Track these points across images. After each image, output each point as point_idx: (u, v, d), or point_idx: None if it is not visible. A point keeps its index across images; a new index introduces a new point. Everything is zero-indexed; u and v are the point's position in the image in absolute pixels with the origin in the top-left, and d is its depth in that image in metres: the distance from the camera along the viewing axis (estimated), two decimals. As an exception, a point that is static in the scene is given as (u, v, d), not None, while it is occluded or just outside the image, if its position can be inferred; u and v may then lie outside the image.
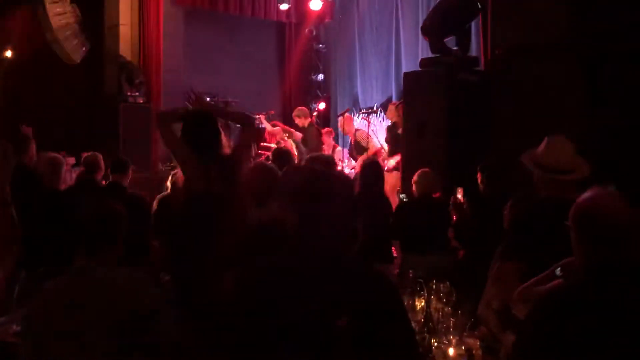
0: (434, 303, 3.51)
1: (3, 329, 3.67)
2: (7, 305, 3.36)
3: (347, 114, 9.96)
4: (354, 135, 9.66)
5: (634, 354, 2.05)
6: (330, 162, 5.23)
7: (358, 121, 10.37)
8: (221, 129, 4.10)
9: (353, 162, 9.80)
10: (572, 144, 3.54)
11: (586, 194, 2.31)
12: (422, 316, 3.42)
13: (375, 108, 10.14)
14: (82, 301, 2.64)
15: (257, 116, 10.96)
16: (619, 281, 2.17)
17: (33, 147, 5.16)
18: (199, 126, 4.01)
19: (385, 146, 9.22)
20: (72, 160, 6.07)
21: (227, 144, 4.42)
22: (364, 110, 10.10)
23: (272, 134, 10.41)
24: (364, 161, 7.07)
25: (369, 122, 9.83)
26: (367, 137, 9.49)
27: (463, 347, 3.09)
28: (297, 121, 9.74)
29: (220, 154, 4.02)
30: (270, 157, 6.00)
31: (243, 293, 2.16)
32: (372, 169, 5.76)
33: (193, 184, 3.86)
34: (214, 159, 3.92)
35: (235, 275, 2.57)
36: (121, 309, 2.63)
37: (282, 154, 5.93)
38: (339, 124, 10.04)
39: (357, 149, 9.61)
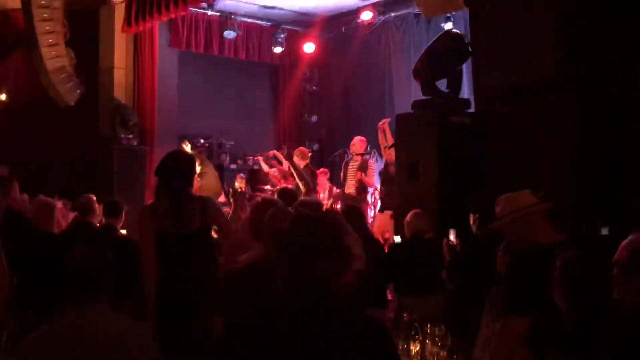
0: (429, 347, 3.47)
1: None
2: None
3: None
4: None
5: None
6: (319, 206, 5.21)
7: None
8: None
9: None
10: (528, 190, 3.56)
11: (637, 234, 2.27)
12: (417, 360, 3.38)
13: (368, 149, 10.14)
14: (71, 353, 2.58)
15: (255, 158, 11.00)
16: None
17: (16, 188, 5.14)
18: (171, 163, 4.02)
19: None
20: (59, 203, 6.05)
21: None
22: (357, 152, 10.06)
23: (268, 175, 10.45)
24: (344, 206, 7.06)
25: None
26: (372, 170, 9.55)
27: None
28: (295, 160, 9.79)
29: (190, 194, 4.00)
30: (276, 196, 6.00)
31: (235, 338, 2.13)
32: (354, 213, 5.71)
33: (161, 223, 3.83)
34: (183, 197, 3.91)
35: (224, 319, 2.54)
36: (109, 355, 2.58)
37: (287, 194, 5.91)
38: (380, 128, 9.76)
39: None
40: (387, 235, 8.32)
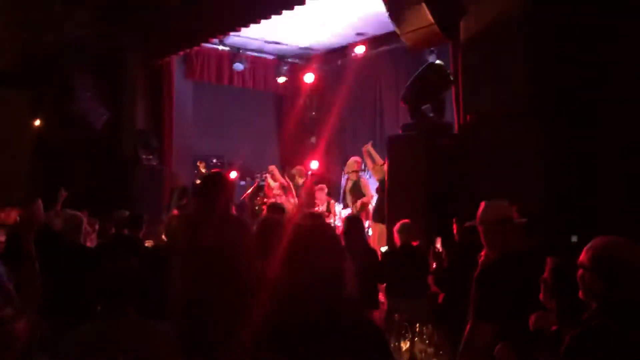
0: (417, 344, 3.44)
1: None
2: (29, 352, 3.26)
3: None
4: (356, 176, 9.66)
5: None
6: (320, 218, 5.18)
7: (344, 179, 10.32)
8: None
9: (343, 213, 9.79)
10: (506, 201, 3.57)
11: (601, 239, 2.32)
12: (408, 357, 3.34)
13: (363, 167, 10.12)
14: (107, 349, 2.58)
15: (263, 175, 10.99)
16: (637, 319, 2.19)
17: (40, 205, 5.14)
18: (207, 183, 3.92)
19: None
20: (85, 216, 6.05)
21: None
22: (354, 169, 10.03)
23: (271, 189, 10.42)
24: (346, 216, 7.02)
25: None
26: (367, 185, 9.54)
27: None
28: (295, 179, 9.78)
29: (228, 212, 3.89)
30: (264, 210, 6.05)
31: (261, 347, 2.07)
32: (354, 223, 5.70)
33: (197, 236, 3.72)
34: (221, 215, 3.81)
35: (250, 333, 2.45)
36: (141, 357, 2.58)
37: (276, 208, 5.93)
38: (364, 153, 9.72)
39: (354, 192, 9.58)
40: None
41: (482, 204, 3.58)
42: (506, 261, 3.31)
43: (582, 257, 2.34)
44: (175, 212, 8.40)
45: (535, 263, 3.15)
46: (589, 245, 2.34)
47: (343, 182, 10.14)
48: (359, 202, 9.40)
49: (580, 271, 2.34)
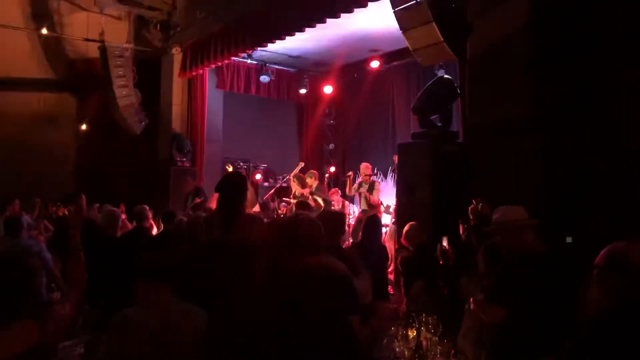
0: (423, 333, 3.43)
1: (69, 351, 3.60)
2: (72, 333, 3.30)
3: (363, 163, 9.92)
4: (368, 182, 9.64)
5: None
6: (342, 215, 5.15)
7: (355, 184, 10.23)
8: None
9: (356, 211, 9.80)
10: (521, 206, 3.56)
11: (618, 243, 2.36)
12: (414, 344, 3.34)
13: (375, 171, 10.10)
14: (151, 328, 2.63)
15: (287, 177, 11.00)
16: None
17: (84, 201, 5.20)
18: (228, 182, 3.87)
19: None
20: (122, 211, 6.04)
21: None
22: (366, 174, 10.01)
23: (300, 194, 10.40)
24: (366, 216, 6.96)
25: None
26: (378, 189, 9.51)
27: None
28: (309, 181, 9.78)
29: (242, 209, 3.83)
30: (294, 207, 6.09)
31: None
32: (373, 223, 5.67)
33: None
34: (235, 211, 3.74)
35: None
36: (182, 332, 2.64)
37: (302, 205, 5.97)
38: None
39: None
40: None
41: (500, 209, 3.57)
42: (523, 261, 3.32)
43: (600, 258, 2.37)
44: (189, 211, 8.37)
45: (547, 264, 3.17)
46: (607, 247, 2.38)
47: (356, 185, 10.07)
48: (368, 197, 9.36)
49: (596, 270, 2.36)
